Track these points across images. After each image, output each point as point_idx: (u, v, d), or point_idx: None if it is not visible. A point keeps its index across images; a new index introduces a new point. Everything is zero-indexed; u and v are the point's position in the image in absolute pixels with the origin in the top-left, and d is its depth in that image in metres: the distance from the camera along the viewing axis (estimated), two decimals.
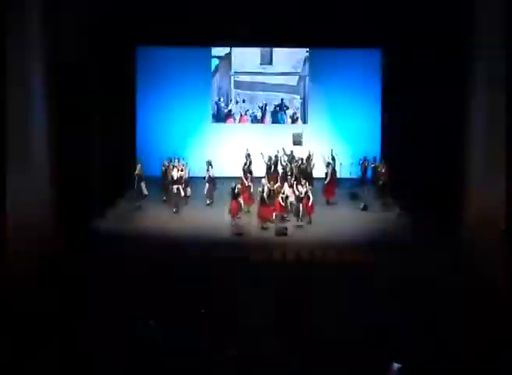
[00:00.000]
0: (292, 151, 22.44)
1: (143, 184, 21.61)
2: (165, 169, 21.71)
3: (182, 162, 21.85)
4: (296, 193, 19.58)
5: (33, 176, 16.01)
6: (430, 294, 12.92)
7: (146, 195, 21.67)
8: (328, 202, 21.80)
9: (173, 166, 21.43)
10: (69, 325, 11.48)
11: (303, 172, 21.58)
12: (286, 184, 20.01)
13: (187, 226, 19.43)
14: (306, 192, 19.52)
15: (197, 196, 21.76)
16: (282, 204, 19.40)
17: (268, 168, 22.14)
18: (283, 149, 22.42)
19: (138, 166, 21.68)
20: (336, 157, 22.50)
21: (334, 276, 14.41)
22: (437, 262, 15.53)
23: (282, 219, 19.63)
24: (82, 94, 18.81)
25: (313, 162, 22.31)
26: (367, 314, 11.55)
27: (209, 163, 21.76)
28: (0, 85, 13.78)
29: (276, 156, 22.35)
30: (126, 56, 23.22)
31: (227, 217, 19.51)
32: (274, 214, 19.47)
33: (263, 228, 19.16)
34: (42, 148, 16.91)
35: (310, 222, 19.53)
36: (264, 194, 19.22)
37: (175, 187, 20.78)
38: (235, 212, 19.40)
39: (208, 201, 21.49)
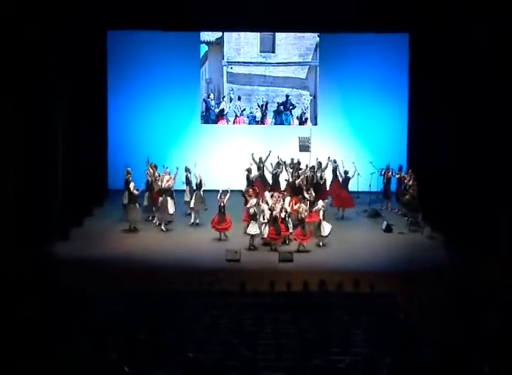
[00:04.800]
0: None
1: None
2: (151, 179, 21.63)
3: (167, 169, 21.72)
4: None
5: None
6: (469, 332, 12.84)
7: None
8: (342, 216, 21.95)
9: (159, 175, 21.48)
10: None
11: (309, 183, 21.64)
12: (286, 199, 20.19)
13: (170, 250, 19.51)
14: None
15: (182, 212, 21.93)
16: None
17: (275, 178, 22.38)
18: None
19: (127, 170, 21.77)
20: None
21: (349, 310, 14.31)
22: (476, 292, 15.41)
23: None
24: (41, 89, 18.78)
25: (324, 171, 22.36)
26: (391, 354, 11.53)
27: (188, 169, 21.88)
28: None
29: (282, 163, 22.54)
30: (96, 43, 23.15)
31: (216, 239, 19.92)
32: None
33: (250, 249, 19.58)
34: None
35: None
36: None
37: (161, 199, 21.02)
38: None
39: (192, 220, 21.46)
